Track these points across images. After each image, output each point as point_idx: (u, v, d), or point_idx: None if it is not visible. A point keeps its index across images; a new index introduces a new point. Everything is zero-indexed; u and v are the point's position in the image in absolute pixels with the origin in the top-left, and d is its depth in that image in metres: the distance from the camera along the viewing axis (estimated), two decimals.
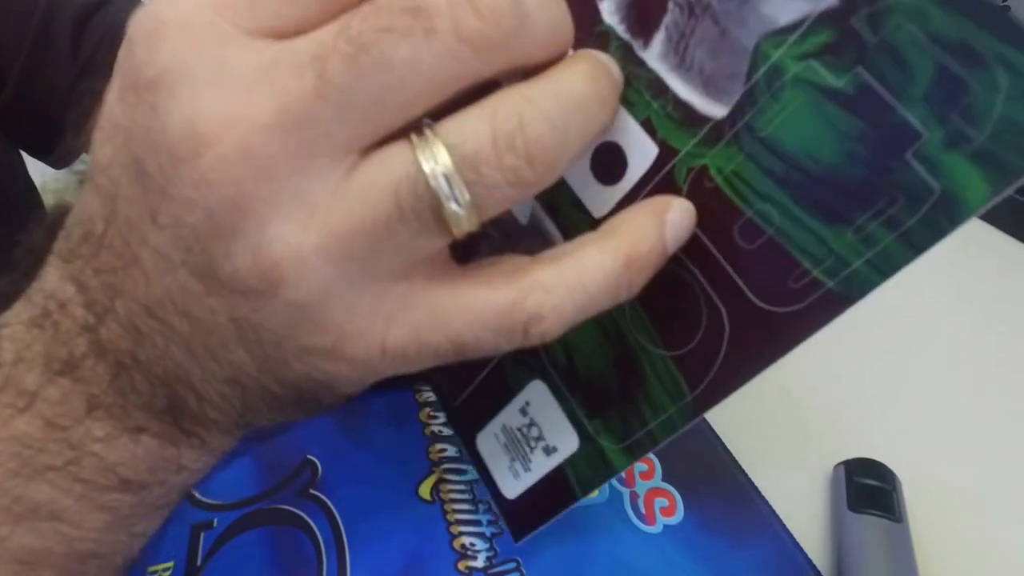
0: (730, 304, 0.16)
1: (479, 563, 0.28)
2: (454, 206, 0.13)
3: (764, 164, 0.15)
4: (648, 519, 0.30)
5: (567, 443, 0.21)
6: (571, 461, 0.21)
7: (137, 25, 0.13)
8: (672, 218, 0.16)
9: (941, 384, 0.39)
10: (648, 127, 0.17)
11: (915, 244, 0.13)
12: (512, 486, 0.24)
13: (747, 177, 0.15)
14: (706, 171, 0.16)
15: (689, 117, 0.16)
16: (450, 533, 0.29)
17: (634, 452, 0.20)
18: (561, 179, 0.19)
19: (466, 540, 0.29)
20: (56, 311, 0.16)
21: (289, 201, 0.13)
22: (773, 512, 0.30)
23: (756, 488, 0.31)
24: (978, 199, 0.12)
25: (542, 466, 0.22)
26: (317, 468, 0.32)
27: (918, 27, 0.12)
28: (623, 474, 0.32)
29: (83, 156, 0.18)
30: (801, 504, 0.32)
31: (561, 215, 0.19)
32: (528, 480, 0.23)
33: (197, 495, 0.30)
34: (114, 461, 0.16)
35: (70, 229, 0.16)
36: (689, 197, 0.16)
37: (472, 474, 0.31)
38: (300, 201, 0.13)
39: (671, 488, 0.31)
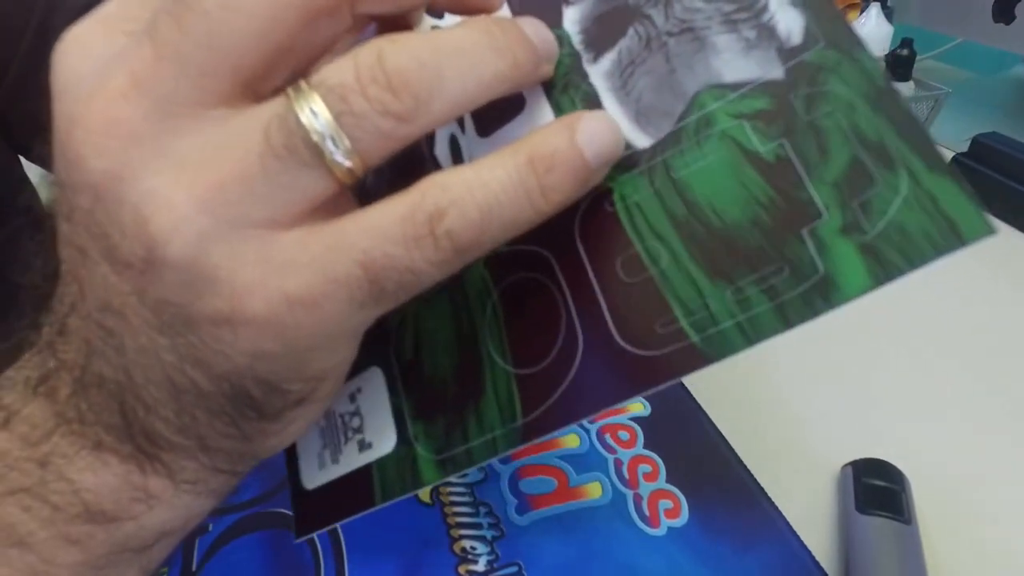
0: (589, 333, 0.16)
1: (480, 567, 0.27)
2: (329, 144, 0.13)
3: (668, 204, 0.15)
4: (652, 521, 0.29)
5: (384, 442, 0.20)
6: (381, 463, 0.20)
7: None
8: (584, 126, 0.15)
9: (950, 383, 0.38)
10: None
11: (787, 318, 0.13)
12: (314, 476, 0.22)
13: (648, 212, 0.15)
14: (609, 194, 0.16)
15: None
16: (450, 536, 0.29)
17: (446, 468, 0.19)
18: None
19: (467, 544, 0.28)
20: (35, 333, 0.17)
21: (159, 160, 0.13)
22: (779, 514, 0.30)
23: (762, 489, 0.31)
24: (856, 288, 0.13)
25: (352, 462, 0.21)
26: None
27: (846, 118, 0.13)
28: (627, 475, 0.31)
29: None
30: (808, 506, 0.31)
31: None
32: (332, 473, 0.21)
33: None
34: (80, 485, 0.16)
35: None
36: (584, 216, 0.16)
37: (473, 476, 0.31)
38: (169, 159, 0.13)
39: (676, 490, 0.31)
